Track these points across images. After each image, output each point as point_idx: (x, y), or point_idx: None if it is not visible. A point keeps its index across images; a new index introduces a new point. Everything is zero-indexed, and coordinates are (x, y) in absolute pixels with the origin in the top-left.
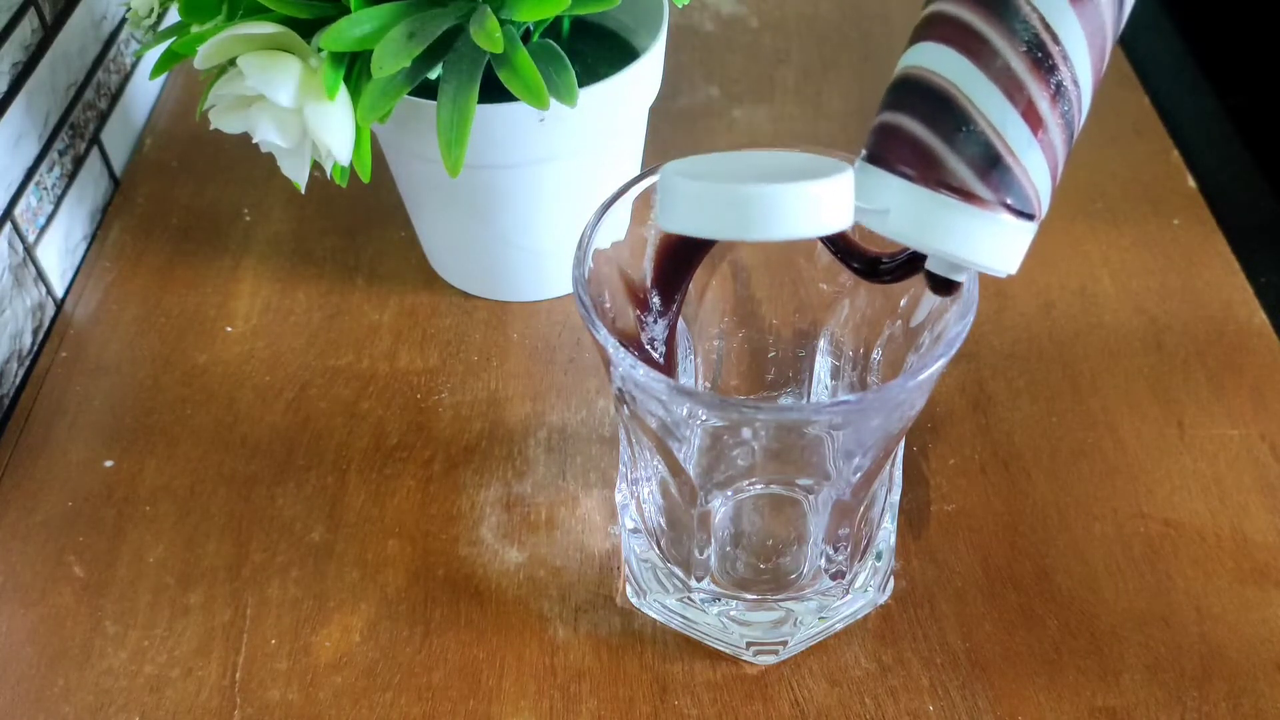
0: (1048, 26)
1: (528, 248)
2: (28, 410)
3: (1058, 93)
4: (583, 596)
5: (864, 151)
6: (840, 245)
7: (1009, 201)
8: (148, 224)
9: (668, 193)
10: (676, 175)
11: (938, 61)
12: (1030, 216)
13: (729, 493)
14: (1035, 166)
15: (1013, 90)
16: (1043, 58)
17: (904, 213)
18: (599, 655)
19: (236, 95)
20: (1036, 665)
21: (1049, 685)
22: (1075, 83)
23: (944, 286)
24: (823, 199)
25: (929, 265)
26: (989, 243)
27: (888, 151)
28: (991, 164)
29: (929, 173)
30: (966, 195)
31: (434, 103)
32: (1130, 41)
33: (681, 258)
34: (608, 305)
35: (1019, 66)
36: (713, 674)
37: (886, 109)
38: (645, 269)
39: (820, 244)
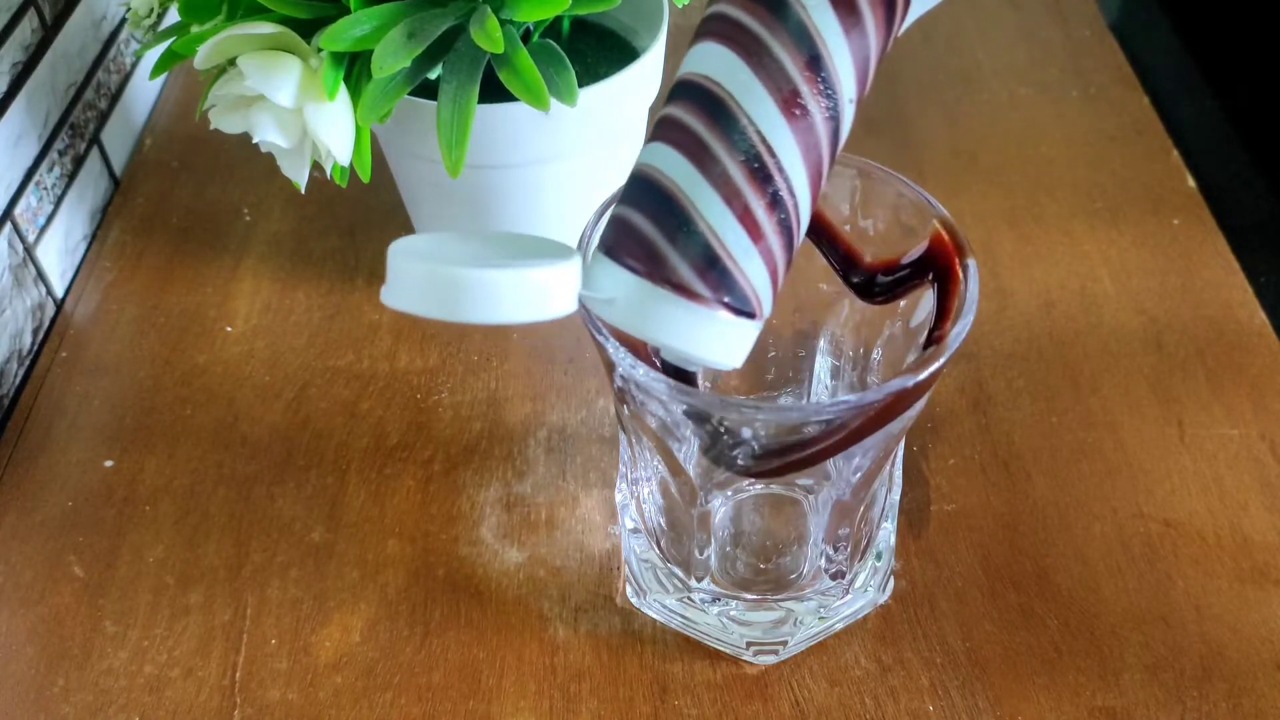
0: (764, 140)
1: None
2: (28, 410)
3: (774, 202)
4: (583, 596)
5: (599, 243)
6: (839, 260)
7: (727, 300)
8: (148, 224)
9: (392, 272)
10: (400, 255)
11: (666, 162)
12: (750, 315)
13: (729, 493)
14: (753, 269)
15: (730, 196)
16: (759, 168)
17: (628, 304)
18: (599, 655)
19: (236, 95)
20: (1036, 665)
21: (1049, 685)
22: (791, 193)
23: (680, 376)
24: (543, 286)
25: (664, 355)
26: (709, 338)
27: (618, 245)
28: (710, 264)
29: (654, 269)
30: (687, 292)
31: (434, 103)
32: (1130, 41)
33: None
34: None
35: (737, 174)
36: (713, 674)
37: (620, 203)
38: None
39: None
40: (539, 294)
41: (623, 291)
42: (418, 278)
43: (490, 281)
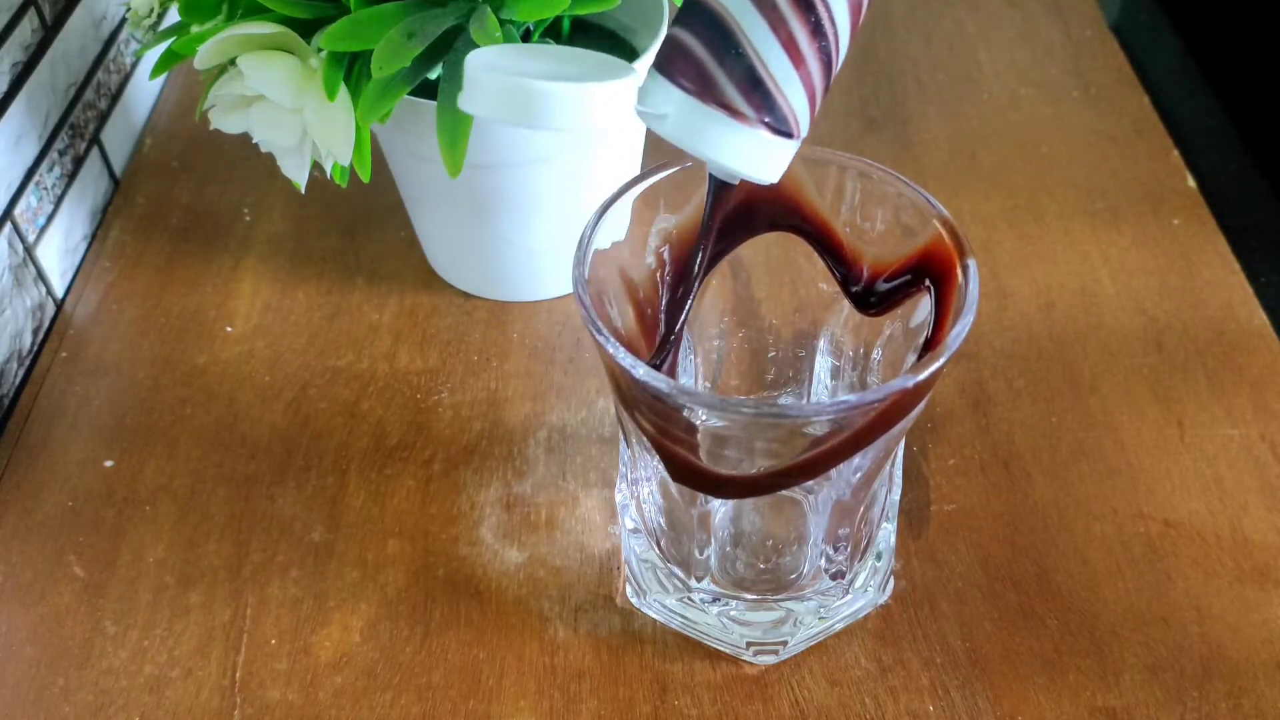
0: None
1: (527, 247)
2: (28, 410)
3: (816, 29)
4: (583, 596)
5: (654, 60)
6: (839, 267)
7: (768, 120)
8: (148, 224)
9: (469, 80)
10: (478, 66)
11: None
12: (789, 135)
13: None
14: (794, 92)
15: (776, 23)
16: None
17: (678, 120)
18: (599, 655)
19: (236, 95)
20: (1036, 665)
21: (1049, 685)
22: (832, 22)
23: (724, 189)
24: (602, 100)
25: (710, 170)
26: (750, 154)
27: (670, 64)
28: (754, 86)
29: (703, 88)
30: (732, 111)
31: (434, 103)
32: (1130, 41)
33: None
34: (608, 305)
35: (782, 1)
36: (713, 674)
37: (674, 23)
38: (646, 268)
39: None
40: (598, 106)
41: (674, 109)
42: (494, 87)
43: (558, 94)
